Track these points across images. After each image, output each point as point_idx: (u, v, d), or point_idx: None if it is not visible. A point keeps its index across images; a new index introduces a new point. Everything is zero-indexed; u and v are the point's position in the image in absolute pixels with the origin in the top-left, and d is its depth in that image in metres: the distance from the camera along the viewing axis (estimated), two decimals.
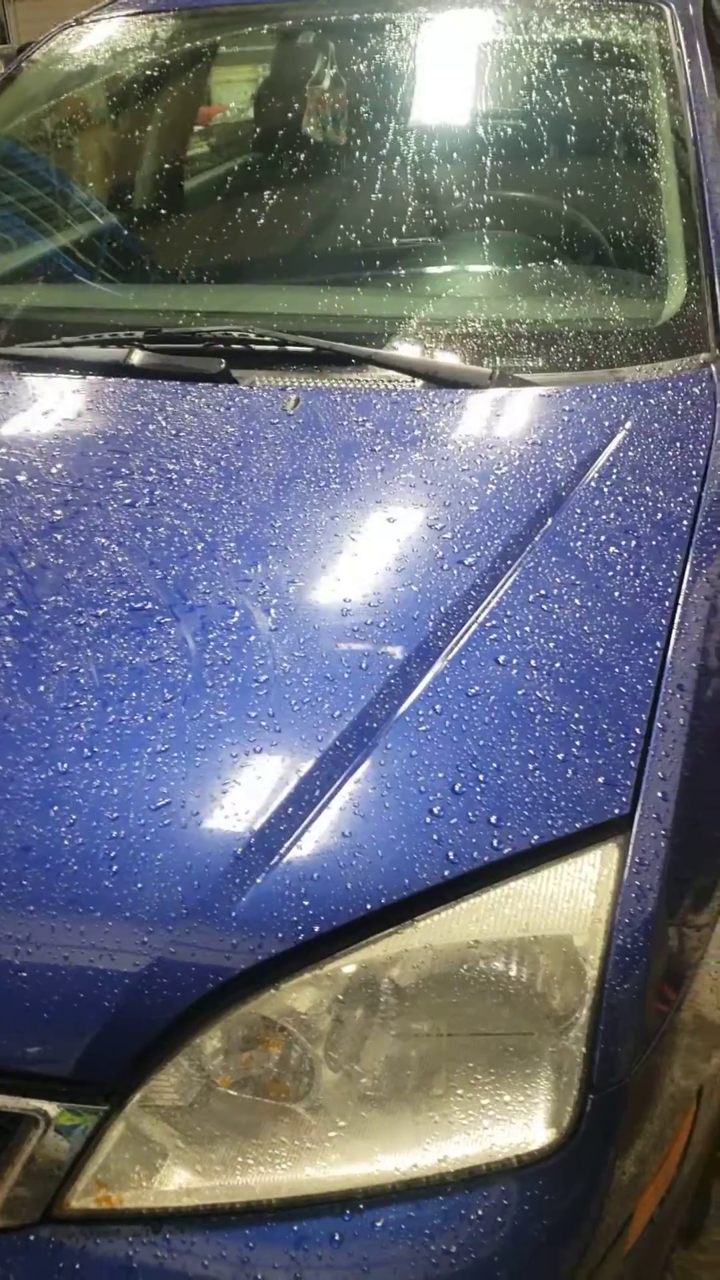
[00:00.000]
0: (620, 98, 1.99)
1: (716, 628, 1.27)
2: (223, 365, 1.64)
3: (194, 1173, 0.98)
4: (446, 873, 1.00)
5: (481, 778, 1.06)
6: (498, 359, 1.66)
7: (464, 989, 0.99)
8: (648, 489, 1.40)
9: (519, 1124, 0.97)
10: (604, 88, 2.00)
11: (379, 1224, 0.94)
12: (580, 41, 2.09)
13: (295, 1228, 0.95)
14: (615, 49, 2.06)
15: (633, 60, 2.03)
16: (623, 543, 1.32)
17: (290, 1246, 0.94)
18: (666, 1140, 1.08)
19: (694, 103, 1.94)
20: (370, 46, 2.18)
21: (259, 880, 0.99)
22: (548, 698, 1.14)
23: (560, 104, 2.00)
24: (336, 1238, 0.94)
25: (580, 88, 2.02)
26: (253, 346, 1.68)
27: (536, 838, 1.03)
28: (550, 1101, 0.97)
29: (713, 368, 1.63)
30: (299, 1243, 0.94)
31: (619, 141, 1.93)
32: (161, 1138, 0.99)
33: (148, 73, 2.39)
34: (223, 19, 2.51)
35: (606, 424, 1.51)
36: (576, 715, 1.12)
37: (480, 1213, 0.95)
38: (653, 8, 2.11)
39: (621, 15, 2.11)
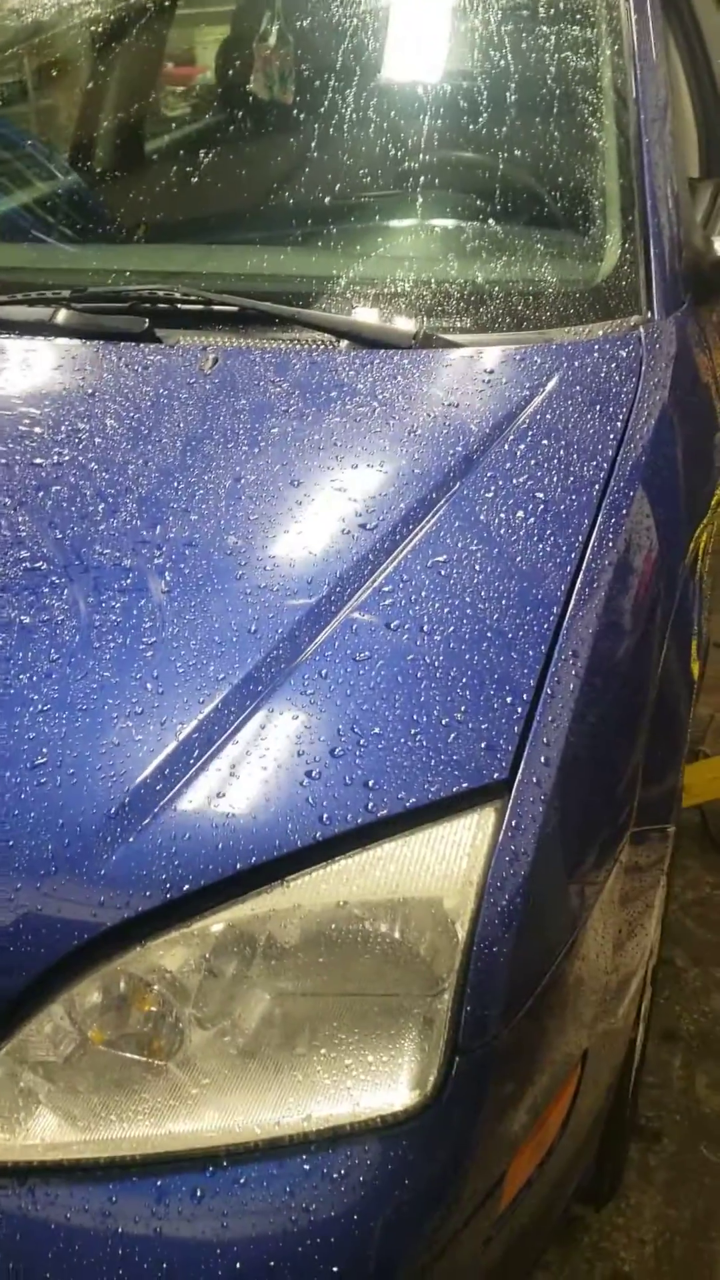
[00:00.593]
0: (564, 55, 1.95)
1: (619, 592, 1.26)
2: (146, 325, 1.62)
3: (62, 1126, 0.98)
4: (319, 834, 1.00)
5: (362, 742, 1.06)
6: (425, 319, 1.64)
7: (332, 949, 0.99)
8: (561, 453, 1.38)
9: (384, 1084, 0.97)
10: (548, 45, 1.97)
11: (241, 1180, 0.95)
12: None
13: (158, 1183, 0.95)
14: (562, 5, 2.02)
15: (579, 17, 1.99)
16: (530, 507, 1.31)
17: (152, 1201, 0.94)
18: (545, 1103, 1.08)
19: (639, 61, 1.90)
20: (315, 2, 2.15)
21: (131, 839, 0.99)
22: (437, 663, 1.13)
23: (502, 61, 1.97)
24: (198, 1193, 0.94)
25: (524, 45, 1.98)
26: (178, 306, 1.66)
27: (412, 801, 1.02)
28: (415, 1063, 0.98)
29: (641, 330, 1.62)
30: (160, 1197, 0.94)
31: (560, 100, 1.90)
32: (31, 1090, 0.99)
33: (86, 30, 2.35)
34: None
35: (527, 386, 1.49)
36: (464, 681, 1.11)
37: (342, 1171, 0.95)
38: None
39: None
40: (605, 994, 1.18)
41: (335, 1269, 0.93)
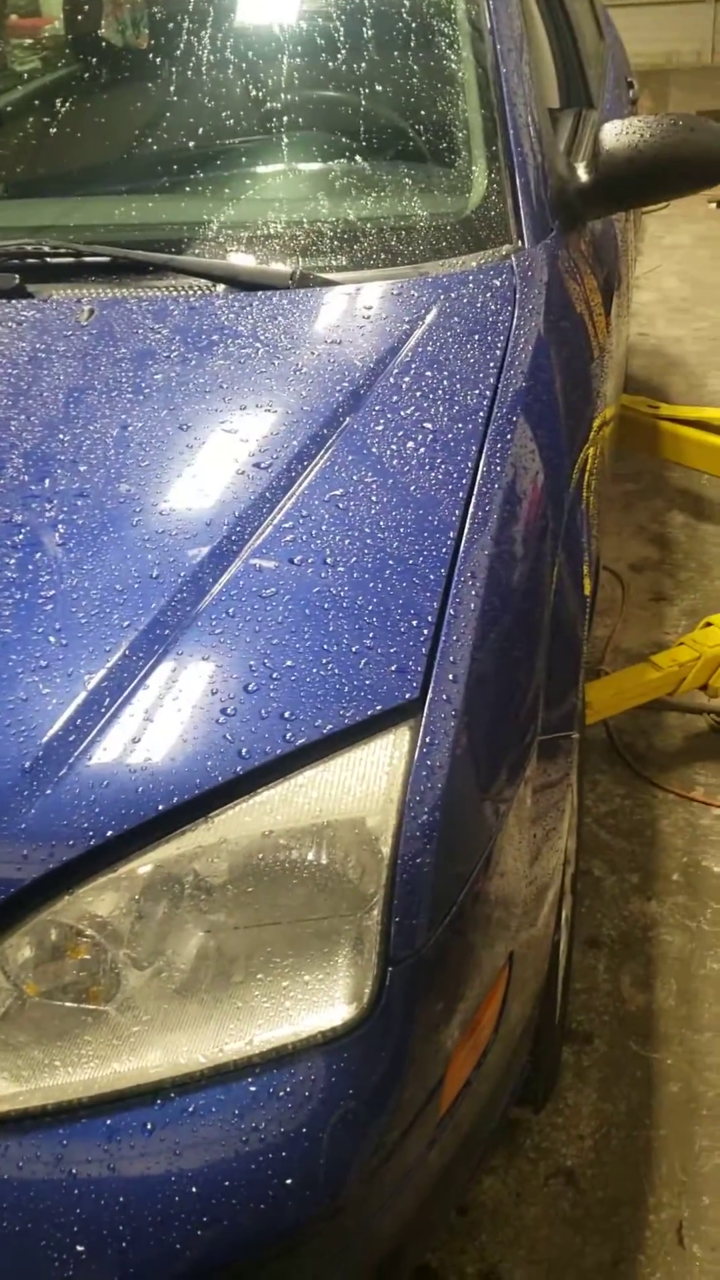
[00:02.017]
0: None
1: (510, 515, 1.29)
2: (16, 280, 1.60)
3: (7, 1080, 0.99)
4: (239, 768, 1.02)
5: (275, 675, 1.07)
6: (300, 259, 1.64)
7: (261, 879, 1.01)
8: (445, 382, 1.41)
9: (321, 1002, 1.00)
10: None
11: (190, 1109, 0.97)
12: None
13: (108, 1122, 0.97)
14: None
15: None
16: (419, 437, 1.33)
17: (103, 1140, 0.96)
18: (476, 1007, 1.12)
19: None
20: None
21: (48, 791, 0.99)
22: (342, 593, 1.15)
23: None
24: (148, 1126, 0.96)
25: None
26: (47, 260, 1.64)
27: (329, 727, 1.05)
28: (350, 978, 1.01)
29: (513, 259, 1.64)
30: (111, 1135, 0.96)
31: (417, 34, 1.90)
32: None
33: None
34: None
35: (406, 320, 1.51)
36: (370, 608, 1.14)
37: (288, 1089, 0.98)
38: None
39: None
40: (525, 899, 1.23)
41: (289, 1182, 0.96)
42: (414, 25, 1.91)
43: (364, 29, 1.91)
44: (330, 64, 1.88)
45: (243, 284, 1.60)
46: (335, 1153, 0.98)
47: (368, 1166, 1.00)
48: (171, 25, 1.98)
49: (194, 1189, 0.95)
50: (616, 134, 1.86)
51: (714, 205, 6.65)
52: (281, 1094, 0.98)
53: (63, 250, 1.64)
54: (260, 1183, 0.95)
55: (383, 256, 1.65)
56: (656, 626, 2.98)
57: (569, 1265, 1.60)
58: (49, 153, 1.95)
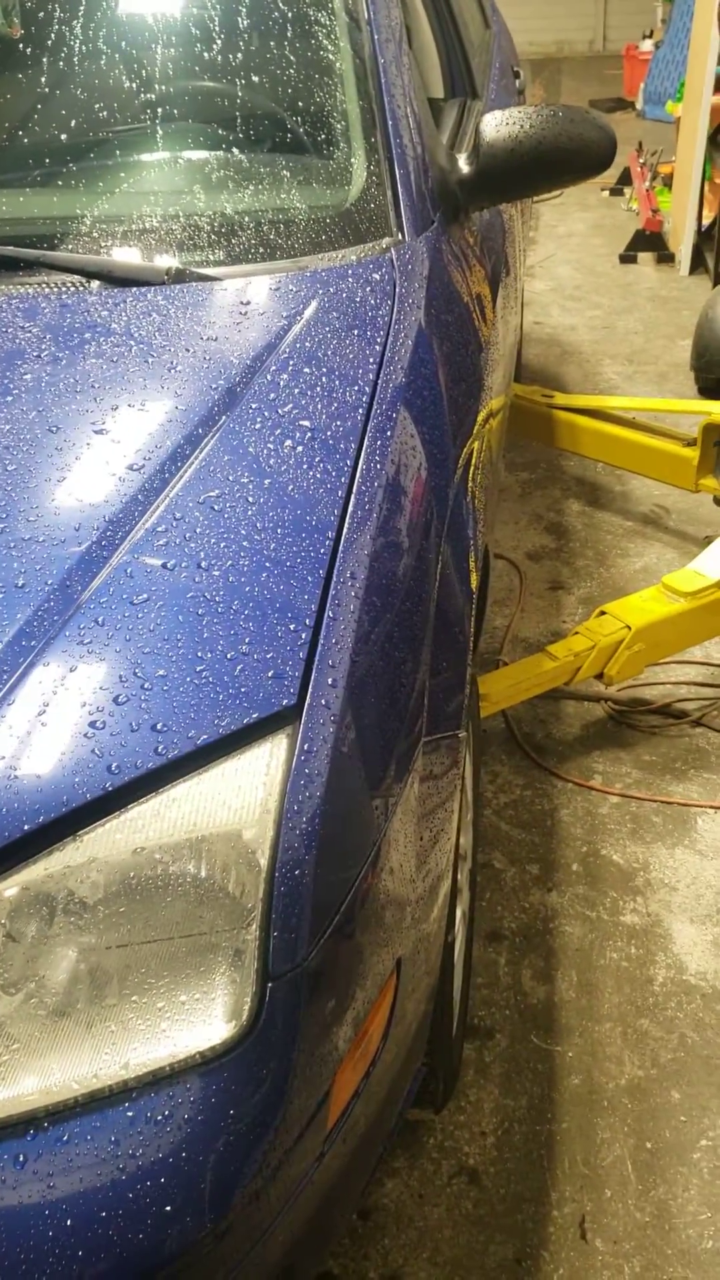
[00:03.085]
0: None
1: (391, 512, 1.27)
2: None
3: None
4: (108, 784, 0.98)
5: (146, 685, 1.04)
6: (178, 254, 1.60)
7: (133, 897, 0.98)
8: (324, 378, 1.38)
9: (199, 1021, 0.97)
10: None
11: (64, 1138, 0.94)
12: None
13: None
14: None
15: None
16: (297, 435, 1.30)
17: None
18: (363, 1015, 1.11)
19: None
20: None
21: None
22: (218, 598, 1.12)
23: None
24: (21, 1159, 0.93)
25: None
26: None
27: (204, 738, 1.02)
28: (229, 995, 0.98)
29: (393, 252, 1.62)
30: None
31: (294, 24, 1.87)
32: None
33: None
34: None
35: (284, 315, 1.48)
36: (246, 613, 1.11)
37: (167, 1113, 0.95)
38: None
39: None
40: (413, 902, 1.21)
41: (169, 1209, 0.93)
42: (291, 15, 1.87)
43: (240, 19, 1.88)
44: (206, 55, 1.83)
45: (118, 280, 1.55)
46: (217, 1176, 0.95)
47: (251, 1187, 0.97)
48: (43, 14, 1.92)
49: (69, 1222, 0.91)
50: (497, 125, 1.85)
51: (606, 193, 6.73)
52: (159, 1118, 0.95)
53: None
54: (139, 1212, 0.92)
55: (261, 251, 1.62)
56: (555, 615, 3.00)
57: (473, 1265, 1.60)
58: None
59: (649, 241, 5.63)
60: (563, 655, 2.40)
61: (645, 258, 5.60)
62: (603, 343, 4.69)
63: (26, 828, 0.96)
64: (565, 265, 5.67)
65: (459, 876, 1.72)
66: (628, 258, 5.62)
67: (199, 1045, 0.97)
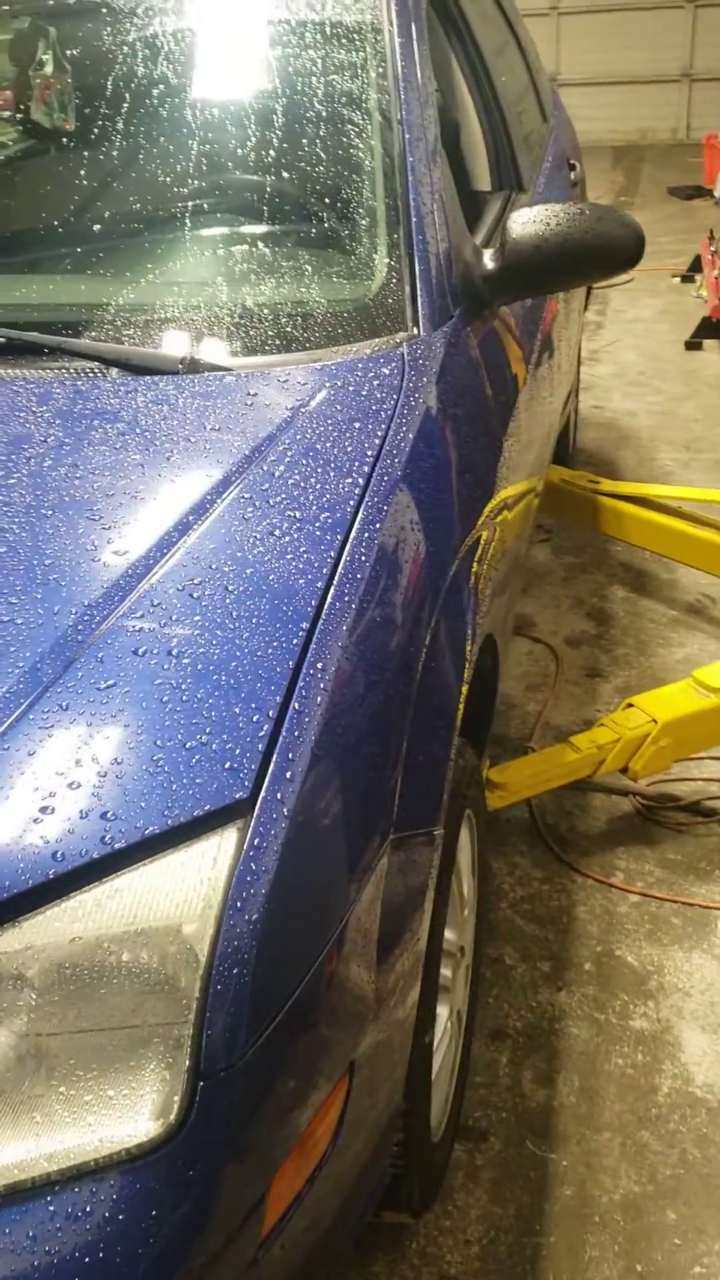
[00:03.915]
0: (331, 79, 1.98)
1: (371, 606, 1.28)
2: None
3: None
4: (51, 872, 0.99)
5: (101, 772, 1.05)
6: (196, 344, 1.64)
7: (67, 986, 0.98)
8: (319, 471, 1.40)
9: (126, 1117, 0.96)
10: (314, 69, 2.00)
11: None
12: (295, 23, 2.08)
13: None
14: (329, 29, 2.05)
15: (345, 41, 2.02)
16: (285, 525, 1.32)
17: None
18: (306, 1119, 1.09)
19: (402, 82, 1.94)
20: (89, 31, 2.14)
21: None
22: (184, 686, 1.13)
23: (273, 86, 1.99)
24: None
25: (292, 69, 2.01)
26: None
27: (151, 829, 1.02)
28: (158, 1092, 0.97)
29: (405, 348, 1.65)
30: None
31: (327, 122, 1.92)
32: None
33: None
34: None
35: (288, 408, 1.50)
36: (210, 702, 1.12)
37: (87, 1209, 0.94)
38: None
39: None
40: (371, 1004, 1.19)
41: None
42: (325, 115, 1.93)
43: (276, 118, 1.94)
44: (240, 151, 1.90)
45: (134, 368, 1.60)
46: (136, 1278, 0.94)
47: None
48: (89, 110, 2.01)
49: None
50: (524, 223, 1.88)
51: (677, 280, 6.76)
52: (80, 1214, 0.94)
53: None
54: None
55: (278, 343, 1.66)
56: (589, 703, 2.97)
57: None
58: None
59: (716, 329, 5.63)
60: (586, 747, 2.36)
61: (711, 345, 5.60)
62: (661, 429, 4.68)
63: None
64: (630, 350, 5.68)
65: (453, 974, 1.69)
66: (694, 344, 5.62)
67: (124, 1141, 0.96)
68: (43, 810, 1.02)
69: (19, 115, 2.30)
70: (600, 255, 1.88)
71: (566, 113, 4.04)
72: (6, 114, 2.35)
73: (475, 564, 1.64)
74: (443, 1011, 1.63)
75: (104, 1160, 0.95)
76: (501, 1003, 2.10)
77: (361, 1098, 1.20)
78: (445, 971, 1.64)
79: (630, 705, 2.45)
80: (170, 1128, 0.97)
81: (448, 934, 1.64)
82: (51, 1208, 0.94)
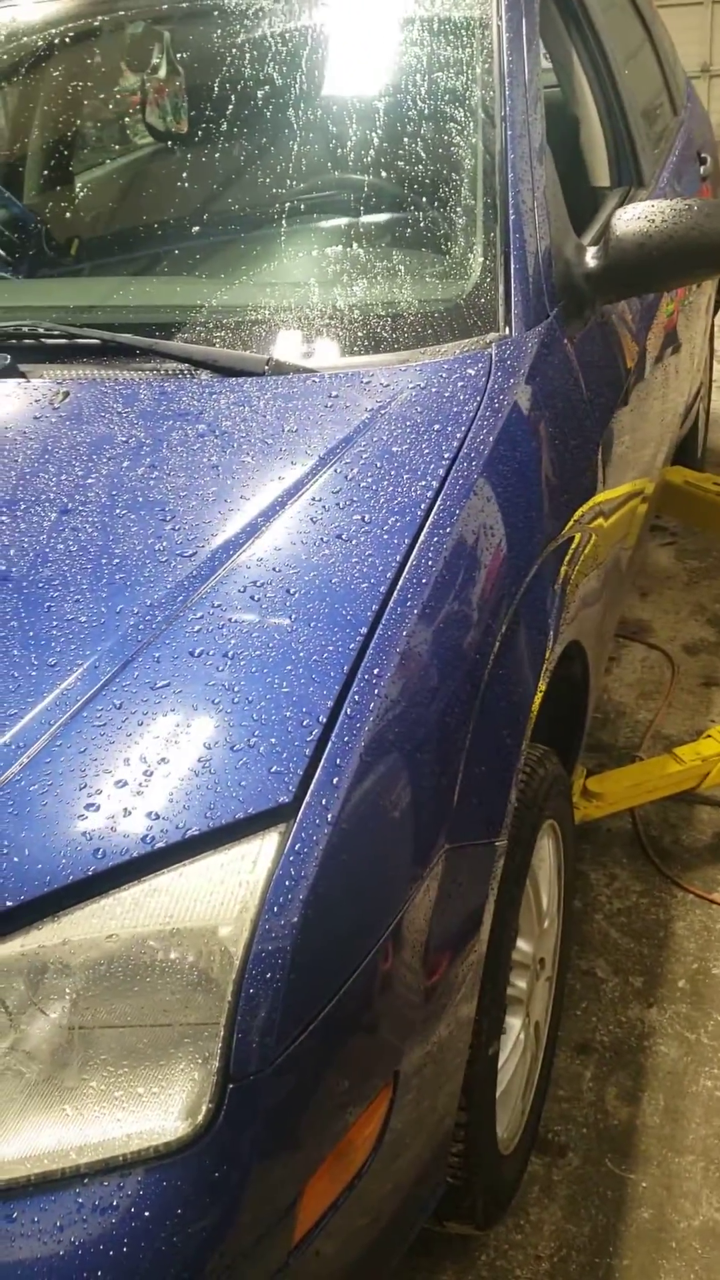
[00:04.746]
0: (435, 76, 1.96)
1: (435, 616, 1.26)
2: (7, 360, 1.64)
3: None
4: (92, 869, 1.01)
5: (148, 771, 1.07)
6: (282, 346, 1.65)
7: (102, 982, 1.00)
8: (392, 473, 1.39)
9: (155, 1115, 0.98)
10: (421, 66, 1.98)
11: (12, 1216, 0.95)
12: (402, 20, 2.07)
13: None
14: (436, 25, 2.04)
15: (451, 37, 2.00)
16: (351, 530, 1.31)
17: None
18: (343, 1126, 1.08)
19: (507, 79, 1.91)
20: (200, 34, 2.17)
21: None
22: (237, 688, 1.14)
23: (377, 85, 1.99)
24: None
25: (397, 68, 2.00)
26: (42, 340, 1.69)
27: (193, 830, 1.03)
28: (187, 1092, 0.98)
29: (493, 349, 1.62)
30: None
31: (430, 120, 1.91)
32: None
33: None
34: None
35: (368, 410, 1.50)
36: (262, 705, 1.12)
37: (114, 1203, 0.96)
38: None
39: None
40: (419, 1015, 1.18)
41: None
42: (428, 113, 1.91)
43: (378, 117, 1.93)
44: (340, 151, 1.90)
45: (221, 369, 1.61)
46: (157, 1273, 0.95)
47: None
48: (197, 112, 2.04)
49: None
50: (628, 219, 1.83)
51: None
52: (106, 1207, 0.95)
53: (56, 332, 1.68)
54: None
55: (365, 344, 1.65)
56: (703, 713, 2.88)
57: None
58: (63, 234, 2.02)
59: None
60: (690, 759, 2.29)
61: None
62: None
63: (8, 904, 0.99)
64: None
65: (529, 987, 1.66)
66: None
67: (152, 1139, 0.97)
68: (88, 807, 1.04)
69: (137, 119, 2.36)
70: (708, 253, 1.82)
71: (702, 105, 3.92)
72: (127, 118, 2.41)
73: (564, 567, 1.60)
74: (514, 1023, 1.61)
75: (132, 1156, 0.97)
76: (590, 1016, 2.05)
77: (408, 1108, 1.19)
78: (520, 984, 1.61)
79: None
80: (198, 1128, 0.97)
81: (522, 945, 1.61)
82: (79, 1199, 0.96)
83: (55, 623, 1.21)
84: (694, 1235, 1.69)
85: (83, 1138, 0.97)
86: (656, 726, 2.82)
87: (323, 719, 1.11)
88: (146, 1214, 0.95)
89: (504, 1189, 1.64)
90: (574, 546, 1.67)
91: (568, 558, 1.64)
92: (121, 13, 2.34)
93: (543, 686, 1.46)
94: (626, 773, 2.31)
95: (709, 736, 2.34)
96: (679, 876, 2.34)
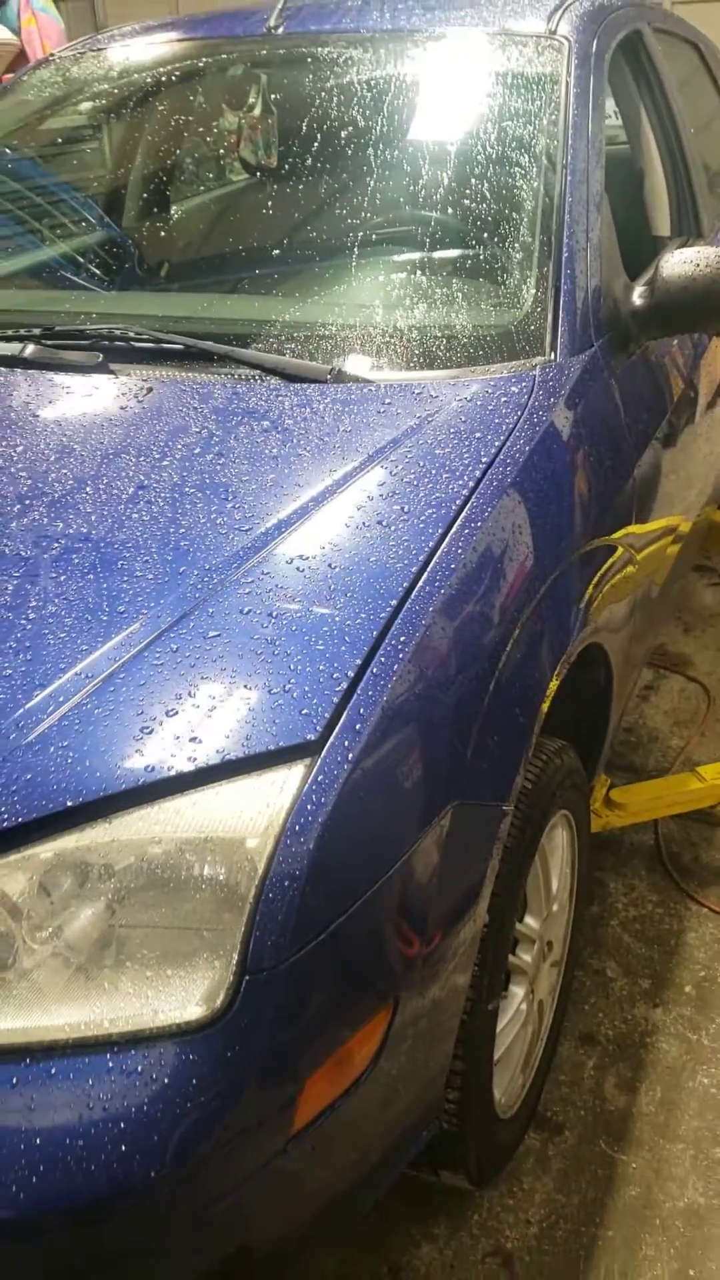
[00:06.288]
0: (505, 125, 2.14)
1: (461, 595, 1.40)
2: (100, 359, 1.83)
3: None
4: (141, 780, 1.16)
5: (196, 704, 1.22)
6: (345, 358, 1.82)
7: (140, 878, 1.14)
8: (432, 472, 1.54)
9: (179, 997, 1.12)
10: (493, 116, 2.16)
11: (52, 1071, 1.10)
12: (480, 72, 2.25)
13: None
14: (511, 79, 2.22)
15: (525, 90, 2.18)
16: (391, 517, 1.46)
17: None
18: (340, 1035, 1.21)
19: (571, 131, 2.08)
20: (293, 78, 2.37)
21: None
22: (278, 642, 1.29)
23: (451, 132, 2.17)
24: (13, 1081, 1.09)
25: (471, 117, 2.17)
26: (132, 343, 1.87)
27: (232, 754, 1.18)
28: (209, 980, 1.12)
29: (538, 370, 1.77)
30: None
31: (497, 164, 2.08)
32: None
33: (97, 99, 2.61)
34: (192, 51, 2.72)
35: (418, 416, 1.65)
36: (298, 657, 1.27)
37: (139, 1069, 1.10)
38: (554, 41, 2.25)
39: (524, 48, 2.26)
40: (421, 951, 1.31)
41: (123, 1148, 1.07)
42: (496, 158, 2.08)
43: (450, 160, 2.11)
44: (413, 189, 2.07)
45: (289, 376, 1.78)
46: (171, 1133, 1.08)
47: (200, 1151, 1.10)
48: (284, 149, 2.23)
49: (38, 1140, 1.07)
50: (675, 263, 1.97)
51: None
52: (131, 1072, 1.09)
53: (145, 337, 1.87)
54: (97, 1146, 1.07)
55: (420, 361, 1.81)
56: None
57: None
58: (157, 253, 2.21)
59: None
60: (711, 777, 2.40)
61: None
62: None
63: (68, 803, 1.15)
64: None
65: (534, 962, 1.77)
66: None
67: (176, 1018, 1.11)
68: (143, 730, 1.20)
69: (233, 155, 2.56)
70: None
71: None
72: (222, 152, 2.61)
73: (591, 574, 1.73)
74: (517, 992, 1.72)
75: (157, 1031, 1.11)
76: (597, 1011, 2.16)
77: (405, 1037, 1.31)
78: (525, 956, 1.73)
79: None
80: (216, 1012, 1.11)
81: (530, 921, 1.73)
82: (110, 1063, 1.10)
83: (126, 578, 1.38)
84: (678, 1215, 1.79)
85: (115, 1012, 1.11)
86: (688, 753, 2.92)
87: (350, 674, 1.26)
88: (166, 1080, 1.09)
89: (499, 1151, 1.75)
90: (603, 557, 1.80)
91: (597, 567, 1.77)
92: (224, 56, 2.56)
93: (559, 676, 1.59)
94: (649, 786, 2.42)
95: None
96: (695, 891, 2.44)
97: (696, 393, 2.50)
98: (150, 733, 1.20)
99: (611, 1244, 1.75)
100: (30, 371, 1.86)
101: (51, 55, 2.71)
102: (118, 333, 1.89)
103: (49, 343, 1.91)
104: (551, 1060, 1.99)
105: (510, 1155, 1.82)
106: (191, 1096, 1.10)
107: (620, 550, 1.90)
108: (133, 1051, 1.11)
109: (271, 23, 2.46)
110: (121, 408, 1.72)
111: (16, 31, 7.31)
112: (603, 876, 2.50)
